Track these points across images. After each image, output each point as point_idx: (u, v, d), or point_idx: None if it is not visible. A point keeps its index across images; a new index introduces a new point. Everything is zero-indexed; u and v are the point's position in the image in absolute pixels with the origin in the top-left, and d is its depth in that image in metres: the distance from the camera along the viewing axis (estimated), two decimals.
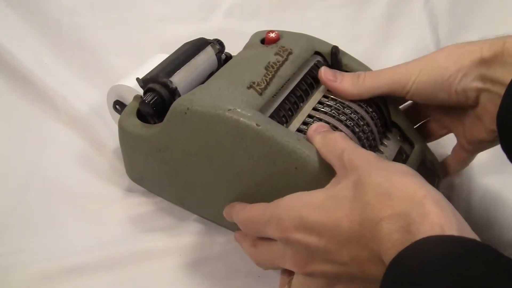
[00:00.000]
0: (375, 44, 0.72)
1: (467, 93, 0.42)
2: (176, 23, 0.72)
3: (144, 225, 0.52)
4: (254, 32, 0.51)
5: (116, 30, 0.71)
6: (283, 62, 0.46)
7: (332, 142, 0.38)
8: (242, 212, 0.40)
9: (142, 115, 0.49)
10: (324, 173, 0.38)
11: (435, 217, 0.29)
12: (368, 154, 0.36)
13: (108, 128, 0.60)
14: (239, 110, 0.40)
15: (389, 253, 0.29)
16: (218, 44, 0.53)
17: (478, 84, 0.42)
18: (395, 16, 0.76)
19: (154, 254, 0.49)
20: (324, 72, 0.46)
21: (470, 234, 0.29)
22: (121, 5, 0.74)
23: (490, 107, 0.42)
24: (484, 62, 0.41)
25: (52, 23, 0.69)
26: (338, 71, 0.46)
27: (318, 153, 0.39)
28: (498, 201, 0.55)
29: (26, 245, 0.49)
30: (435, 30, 0.74)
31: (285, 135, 0.39)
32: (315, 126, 0.41)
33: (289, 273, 0.40)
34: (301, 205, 0.34)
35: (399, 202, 0.30)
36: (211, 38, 0.54)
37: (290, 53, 0.47)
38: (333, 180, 0.36)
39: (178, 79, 0.48)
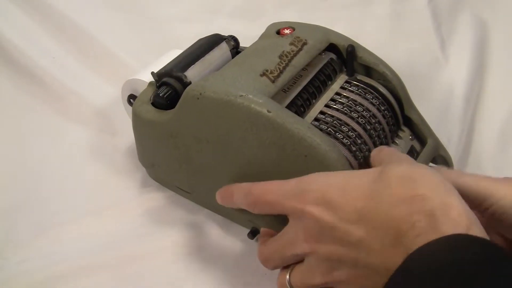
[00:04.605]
0: (378, 44, 0.71)
1: None
2: (182, 24, 0.74)
3: (154, 220, 0.52)
4: (257, 33, 0.51)
5: (122, 29, 0.72)
6: (298, 52, 0.46)
7: (386, 152, 0.38)
8: (255, 187, 0.38)
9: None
10: (333, 162, 0.38)
11: (461, 210, 0.29)
12: (404, 155, 0.36)
13: (120, 123, 0.60)
14: (250, 96, 0.40)
15: (411, 234, 0.28)
16: (233, 41, 0.53)
17: None
18: (398, 15, 0.76)
19: (161, 251, 0.49)
20: None
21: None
22: (128, 5, 0.75)
23: None
24: None
25: (62, 22, 0.70)
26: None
27: (328, 142, 0.39)
28: None
29: (34, 246, 0.49)
30: (439, 29, 0.73)
31: (296, 122, 0.39)
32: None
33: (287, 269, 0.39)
34: (326, 181, 0.34)
35: (423, 186, 0.30)
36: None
37: (304, 44, 0.47)
38: None
39: (192, 74, 0.48)
